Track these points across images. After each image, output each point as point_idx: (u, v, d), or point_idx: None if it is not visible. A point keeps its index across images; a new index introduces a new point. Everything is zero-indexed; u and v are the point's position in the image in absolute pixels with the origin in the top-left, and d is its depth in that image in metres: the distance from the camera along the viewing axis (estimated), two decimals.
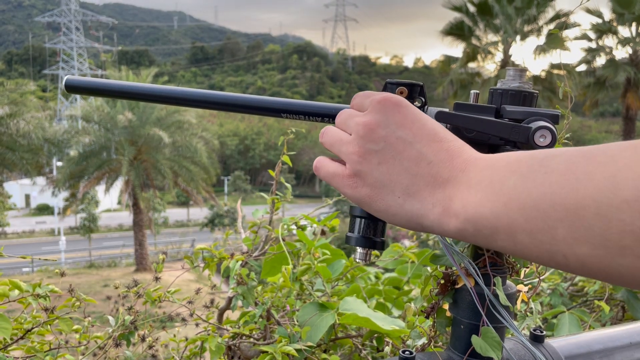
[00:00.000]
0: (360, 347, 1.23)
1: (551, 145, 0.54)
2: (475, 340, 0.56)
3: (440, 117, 0.57)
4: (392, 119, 0.49)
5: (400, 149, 0.48)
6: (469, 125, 0.55)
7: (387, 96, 0.51)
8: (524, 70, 0.64)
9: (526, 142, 0.54)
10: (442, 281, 0.66)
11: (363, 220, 0.58)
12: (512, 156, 0.43)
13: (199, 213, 35.50)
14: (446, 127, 0.62)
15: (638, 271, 0.34)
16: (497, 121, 0.55)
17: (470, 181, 0.44)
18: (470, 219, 0.43)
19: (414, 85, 0.62)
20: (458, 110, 0.61)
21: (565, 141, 0.72)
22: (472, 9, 17.55)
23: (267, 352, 1.03)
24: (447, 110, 0.60)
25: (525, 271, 0.75)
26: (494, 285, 0.59)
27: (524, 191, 0.40)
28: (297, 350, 1.01)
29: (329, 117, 0.66)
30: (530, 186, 0.39)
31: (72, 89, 0.71)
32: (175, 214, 40.07)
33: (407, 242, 1.75)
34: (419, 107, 0.62)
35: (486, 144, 0.61)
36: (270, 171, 1.34)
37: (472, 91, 0.64)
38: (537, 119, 0.55)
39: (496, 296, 0.58)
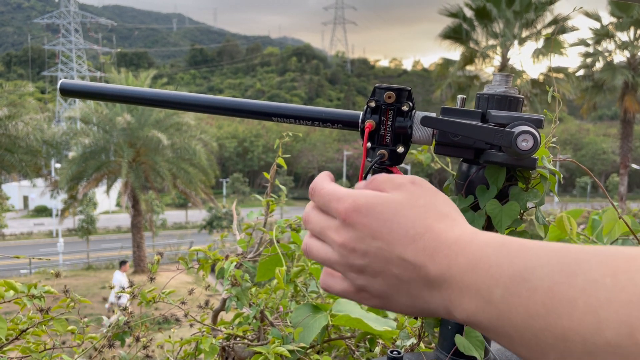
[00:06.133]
0: (353, 348, 1.24)
1: (534, 149, 0.55)
2: (458, 339, 0.57)
3: (425, 121, 0.58)
4: (362, 231, 0.47)
5: (383, 260, 0.47)
6: (453, 129, 0.57)
7: (349, 208, 0.48)
8: (509, 75, 0.66)
9: (509, 147, 0.55)
10: None
11: None
12: (492, 258, 0.42)
13: (198, 215, 35.49)
14: (432, 132, 0.63)
15: None
16: (481, 125, 0.56)
17: (460, 284, 0.43)
18: (473, 323, 0.43)
19: (401, 90, 0.63)
20: (445, 114, 0.62)
21: (552, 145, 0.73)
22: (469, 13, 17.60)
23: (260, 353, 1.04)
24: (433, 114, 0.61)
25: None
26: None
27: (513, 308, 0.39)
28: (290, 352, 1.02)
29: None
30: (516, 302, 0.39)
31: (67, 92, 0.72)
32: (174, 215, 40.02)
33: None
34: (407, 112, 0.63)
35: (472, 147, 0.62)
36: (265, 173, 1.35)
37: (459, 96, 0.65)
38: (521, 123, 0.56)
39: None
